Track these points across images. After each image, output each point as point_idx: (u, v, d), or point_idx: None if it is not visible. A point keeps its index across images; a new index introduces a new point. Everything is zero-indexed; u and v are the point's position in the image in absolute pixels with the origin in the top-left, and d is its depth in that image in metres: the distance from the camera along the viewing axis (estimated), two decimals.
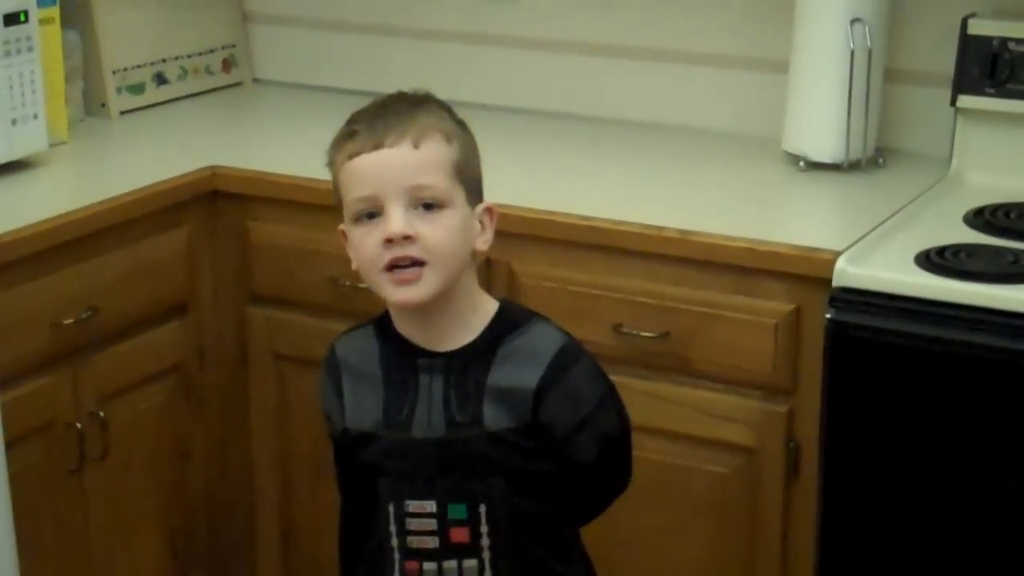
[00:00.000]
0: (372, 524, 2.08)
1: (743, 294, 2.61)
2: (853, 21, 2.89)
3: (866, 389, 2.48)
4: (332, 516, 3.06)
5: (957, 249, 2.53)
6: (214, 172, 3.04)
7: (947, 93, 2.93)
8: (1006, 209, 2.73)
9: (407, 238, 1.93)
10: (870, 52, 2.91)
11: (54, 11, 3.12)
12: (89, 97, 3.40)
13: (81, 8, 3.36)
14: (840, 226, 2.77)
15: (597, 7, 3.36)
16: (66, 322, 2.74)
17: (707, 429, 2.65)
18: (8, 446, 2.59)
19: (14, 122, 2.94)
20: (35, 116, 2.98)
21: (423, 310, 2.00)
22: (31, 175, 2.98)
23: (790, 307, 2.58)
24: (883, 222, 2.68)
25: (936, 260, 2.48)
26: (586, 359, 2.07)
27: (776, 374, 2.61)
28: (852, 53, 2.90)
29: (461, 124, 2.03)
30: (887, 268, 2.48)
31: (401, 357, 2.04)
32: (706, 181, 2.98)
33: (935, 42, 3.02)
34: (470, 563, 2.03)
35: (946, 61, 2.94)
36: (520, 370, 2.01)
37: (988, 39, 2.89)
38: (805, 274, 2.55)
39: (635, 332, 2.66)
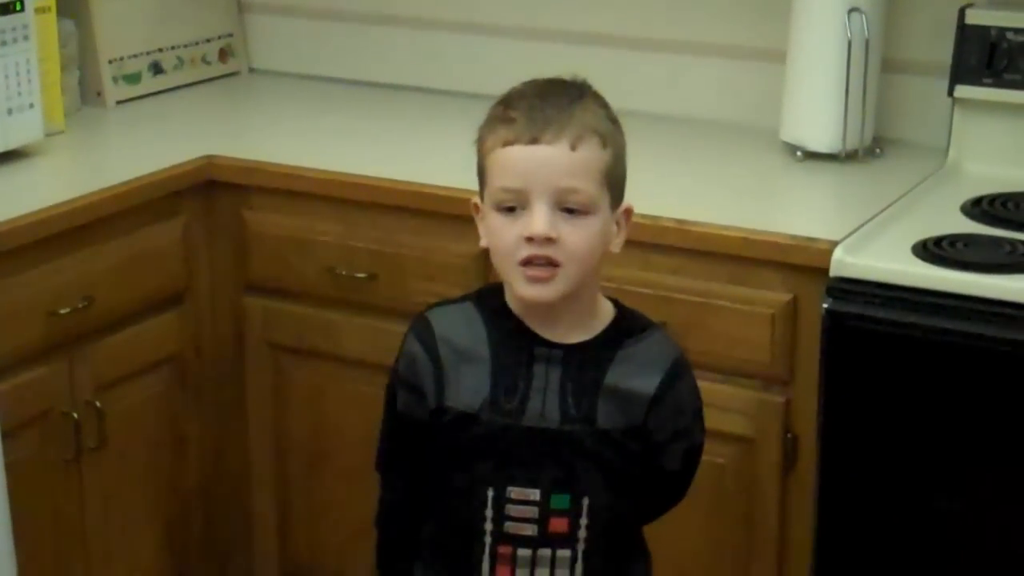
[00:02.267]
0: (450, 504, 2.05)
1: (740, 284, 2.61)
2: (851, 11, 2.89)
3: (863, 379, 2.48)
4: (329, 505, 3.08)
5: (954, 239, 2.53)
6: (210, 161, 3.03)
7: (945, 83, 2.93)
8: (1003, 199, 2.73)
9: (548, 239, 1.92)
10: (867, 42, 2.90)
11: (50, 0, 3.11)
12: (85, 86, 3.40)
13: None
14: (837, 216, 2.77)
15: None
16: (62, 311, 2.73)
17: (705, 419, 2.64)
18: (4, 436, 2.59)
19: (10, 111, 2.93)
20: (31, 105, 2.98)
21: (553, 304, 1.98)
22: (27, 164, 2.98)
23: (787, 297, 2.58)
24: (880, 212, 2.68)
25: (933, 250, 2.48)
26: (692, 372, 2.09)
27: (773, 364, 2.61)
28: (849, 43, 2.89)
29: (616, 123, 2.00)
30: (884, 258, 2.48)
31: (516, 342, 2.01)
32: (703, 171, 2.98)
33: (932, 32, 3.02)
34: (564, 553, 2.02)
35: (943, 51, 2.94)
36: (637, 374, 2.02)
37: (986, 29, 2.88)
38: (802, 264, 2.55)
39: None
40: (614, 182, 1.98)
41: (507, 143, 1.94)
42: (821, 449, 2.53)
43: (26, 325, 2.68)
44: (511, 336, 2.02)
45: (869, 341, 2.46)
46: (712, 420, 2.62)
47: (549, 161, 1.92)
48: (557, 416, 2.00)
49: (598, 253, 1.98)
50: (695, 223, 2.64)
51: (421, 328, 2.06)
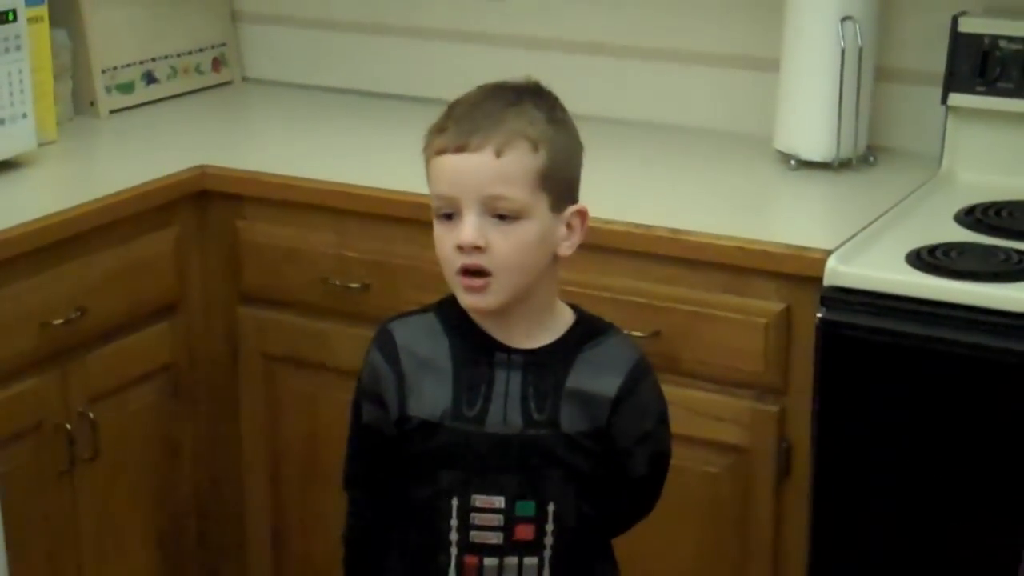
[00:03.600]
0: (416, 517, 2.04)
1: (734, 293, 2.61)
2: (844, 19, 2.89)
3: (857, 388, 2.48)
4: (322, 515, 3.07)
5: (948, 248, 2.53)
6: (203, 171, 3.03)
7: (938, 91, 2.93)
8: (997, 207, 2.73)
9: (477, 248, 1.92)
10: (861, 50, 2.90)
11: (42, 10, 3.11)
12: (78, 96, 3.39)
13: (70, 7, 3.35)
14: (831, 225, 2.77)
15: (587, 5, 3.36)
16: (55, 322, 2.73)
17: (698, 429, 2.64)
18: None
19: (2, 121, 2.93)
20: (24, 115, 2.97)
21: (500, 310, 1.99)
22: (20, 175, 2.97)
23: (781, 306, 2.58)
24: (874, 221, 2.68)
25: (927, 259, 2.48)
26: (654, 375, 2.09)
27: (767, 373, 2.61)
28: (843, 51, 2.89)
29: (558, 124, 1.98)
30: (878, 267, 2.48)
31: (476, 350, 2.01)
32: (696, 180, 2.98)
33: (926, 40, 3.02)
34: (531, 561, 2.02)
35: (937, 59, 2.94)
36: (599, 377, 2.01)
37: (979, 37, 2.88)
38: (796, 273, 2.55)
39: (625, 332, 2.65)
40: (554, 184, 1.95)
41: (440, 151, 1.96)
42: (815, 458, 2.53)
43: (19, 336, 2.68)
44: (471, 344, 2.02)
45: (863, 350, 2.45)
46: (706, 429, 2.64)
47: (474, 169, 1.92)
48: (520, 422, 2.00)
49: (536, 258, 1.96)
50: (688, 232, 2.63)
51: (383, 339, 2.06)
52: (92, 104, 3.41)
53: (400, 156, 3.14)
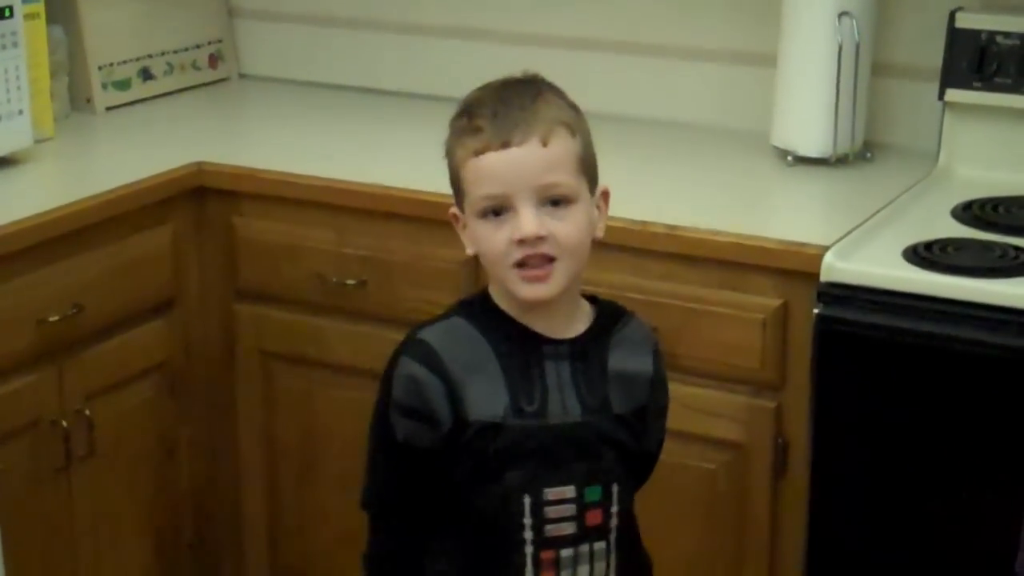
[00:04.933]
0: (481, 522, 2.01)
1: (731, 289, 2.61)
2: (841, 15, 2.88)
3: (854, 384, 2.48)
4: (319, 512, 3.07)
5: (945, 243, 2.53)
6: (200, 168, 3.03)
7: (935, 87, 2.93)
8: (994, 203, 2.73)
9: (540, 238, 1.93)
10: (858, 46, 2.90)
11: (39, 7, 3.10)
12: (75, 93, 3.39)
13: (66, 3, 3.35)
14: (828, 221, 2.77)
15: (584, 2, 3.35)
16: (51, 319, 2.73)
17: (695, 425, 2.64)
18: None
19: None
20: (20, 112, 2.97)
21: (552, 300, 1.99)
22: (16, 171, 2.97)
23: (778, 302, 2.58)
24: (871, 216, 2.68)
25: (924, 255, 2.48)
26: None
27: (764, 369, 2.60)
28: (840, 47, 2.89)
29: (576, 110, 2.01)
30: (875, 263, 2.48)
31: (521, 345, 2.01)
32: (693, 176, 2.98)
33: (923, 36, 3.02)
34: (600, 545, 2.03)
35: (934, 55, 2.94)
36: (634, 356, 2.06)
37: (976, 32, 2.88)
38: (793, 269, 2.55)
39: None
40: (588, 168, 1.99)
41: (478, 152, 1.94)
42: (812, 454, 2.53)
43: (15, 333, 2.68)
44: (513, 339, 2.01)
45: (860, 346, 2.45)
46: (703, 425, 2.64)
47: (525, 161, 1.93)
48: (578, 409, 2.00)
49: (587, 241, 1.99)
50: (686, 228, 2.63)
51: (419, 349, 2.01)
52: (88, 101, 3.41)
53: (397, 152, 3.15)
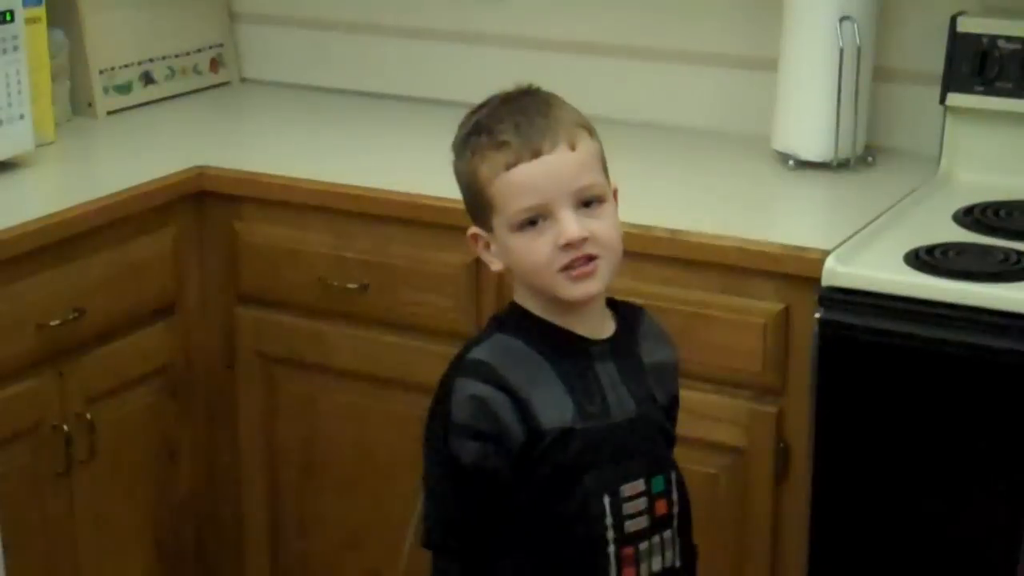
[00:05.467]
0: (562, 531, 2.00)
1: (732, 294, 2.61)
2: (842, 19, 2.88)
3: (856, 389, 2.47)
4: (320, 517, 3.07)
5: (947, 248, 2.53)
6: (201, 172, 3.03)
7: (936, 91, 2.93)
8: (995, 207, 2.73)
9: (584, 239, 1.95)
10: (859, 50, 2.90)
11: (40, 11, 3.10)
12: (76, 97, 3.39)
13: (67, 7, 3.35)
14: (829, 225, 2.77)
15: (585, 6, 3.35)
16: (52, 323, 2.73)
17: (696, 429, 2.63)
18: None
19: (0, 122, 2.92)
20: (21, 116, 2.97)
21: (595, 298, 2.02)
22: (17, 175, 2.97)
23: (779, 307, 2.58)
24: (872, 221, 2.68)
25: (926, 259, 2.48)
26: None
27: (765, 374, 2.60)
28: (841, 51, 2.89)
29: (580, 112, 2.04)
30: (876, 267, 2.48)
31: (568, 350, 2.02)
32: (695, 180, 2.98)
33: (924, 40, 3.02)
34: (667, 534, 2.05)
35: (935, 59, 2.94)
36: (658, 348, 2.10)
37: (977, 37, 2.88)
38: (794, 273, 2.55)
39: None
40: (606, 166, 2.03)
41: (509, 166, 1.95)
42: (814, 459, 2.52)
43: (16, 337, 2.68)
44: (560, 346, 2.02)
45: (861, 350, 2.45)
46: (704, 430, 2.64)
47: (559, 167, 1.95)
48: (632, 403, 2.03)
49: (621, 236, 2.02)
50: (687, 233, 2.63)
51: (478, 369, 1.99)
52: (90, 105, 3.41)
53: (398, 157, 3.15)
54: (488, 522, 2.02)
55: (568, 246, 1.94)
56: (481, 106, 2.02)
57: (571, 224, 1.94)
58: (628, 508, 2.01)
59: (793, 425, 2.60)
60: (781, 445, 2.62)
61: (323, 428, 3.02)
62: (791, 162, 2.98)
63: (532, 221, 1.95)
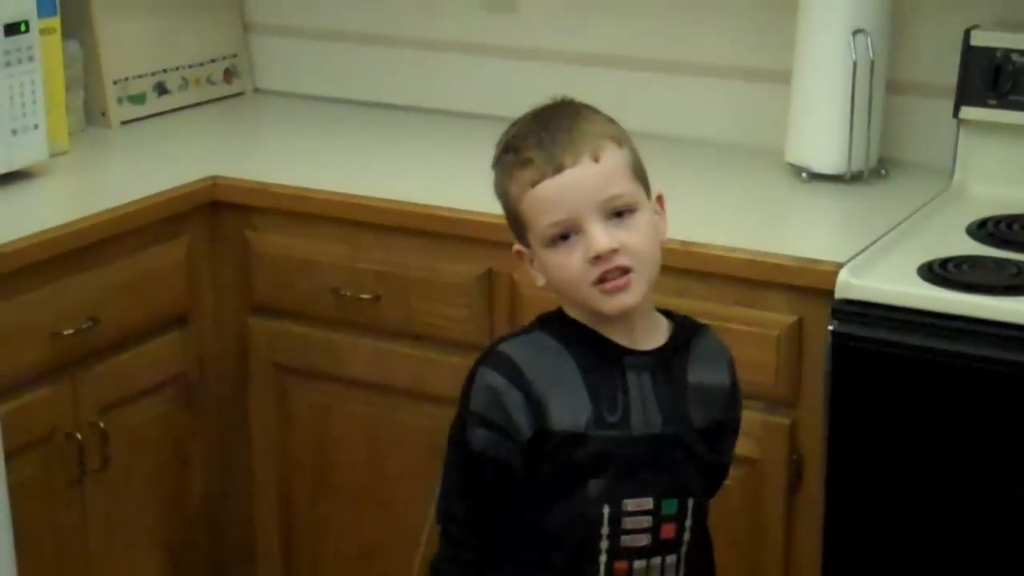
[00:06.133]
0: (560, 533, 2.02)
1: (745, 306, 2.61)
2: (855, 32, 2.89)
3: (869, 401, 2.47)
4: (332, 527, 3.07)
5: (960, 261, 2.53)
6: (215, 182, 3.03)
7: (950, 104, 2.93)
8: (1009, 221, 2.72)
9: (614, 251, 1.95)
10: (872, 63, 2.90)
11: (55, 21, 3.11)
12: (90, 107, 3.40)
13: (82, 18, 3.35)
14: (843, 238, 2.77)
15: (596, 17, 3.36)
16: (66, 332, 2.73)
17: None
18: (7, 457, 2.59)
19: (14, 132, 2.93)
20: (36, 126, 2.98)
21: (633, 310, 2.01)
22: (31, 185, 2.98)
23: (792, 319, 2.58)
24: (886, 234, 2.67)
25: (939, 272, 2.48)
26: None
27: (778, 386, 2.60)
28: (854, 64, 2.89)
29: (614, 123, 2.04)
30: (890, 280, 2.48)
31: (603, 357, 2.02)
32: (708, 193, 2.98)
33: (938, 53, 3.02)
34: (671, 559, 2.04)
35: (949, 72, 2.94)
36: (712, 369, 2.08)
37: (991, 50, 2.88)
38: (807, 286, 2.55)
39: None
40: (641, 174, 2.03)
41: (534, 183, 1.96)
42: (827, 471, 2.52)
43: (30, 346, 2.68)
44: (595, 352, 2.03)
45: (874, 363, 2.45)
46: None
47: (582, 181, 1.95)
48: (660, 420, 2.02)
49: (657, 246, 2.02)
50: (700, 245, 2.63)
51: (500, 361, 2.02)
52: (104, 115, 3.41)
53: (411, 167, 3.16)
54: (492, 511, 2.05)
55: (598, 259, 1.94)
56: (514, 123, 2.04)
57: (599, 236, 1.94)
58: (628, 523, 2.01)
59: (806, 437, 2.60)
60: (794, 457, 2.62)
61: (335, 438, 3.03)
62: (804, 175, 2.98)
63: (564, 236, 1.96)
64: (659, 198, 2.06)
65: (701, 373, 2.06)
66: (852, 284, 2.47)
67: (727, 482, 2.62)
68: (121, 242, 2.84)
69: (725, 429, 2.10)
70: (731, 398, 2.10)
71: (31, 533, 2.69)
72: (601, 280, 1.96)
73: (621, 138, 2.01)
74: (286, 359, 3.05)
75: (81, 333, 2.76)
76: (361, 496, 3.03)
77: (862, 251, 2.58)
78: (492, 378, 2.01)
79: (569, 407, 1.99)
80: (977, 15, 2.95)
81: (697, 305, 2.63)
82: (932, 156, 3.03)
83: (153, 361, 2.96)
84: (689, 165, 3.14)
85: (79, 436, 2.78)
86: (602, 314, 1.99)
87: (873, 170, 2.99)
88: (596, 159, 1.96)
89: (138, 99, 3.49)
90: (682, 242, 2.64)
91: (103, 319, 2.80)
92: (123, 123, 3.44)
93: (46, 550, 2.76)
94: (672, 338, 2.07)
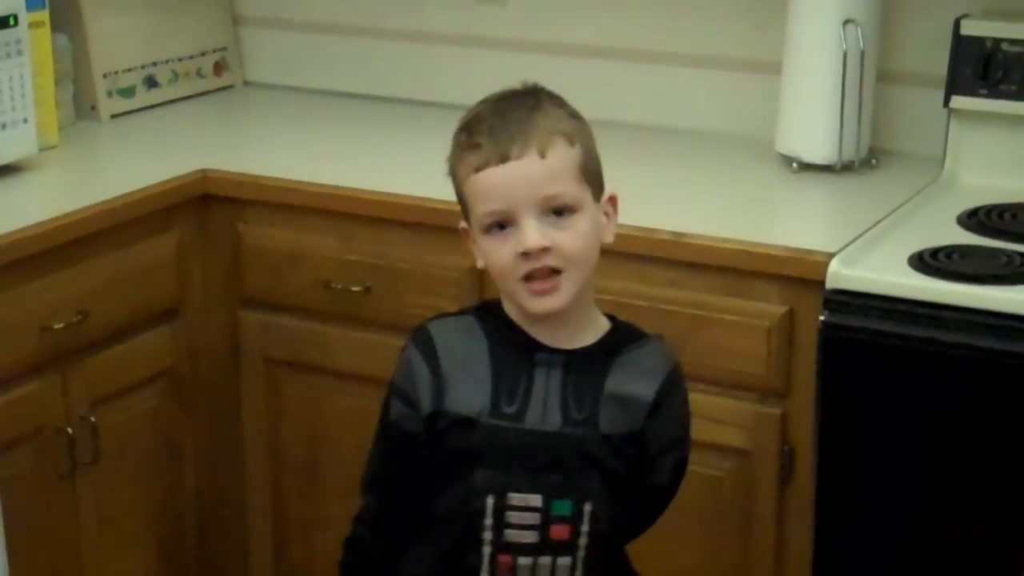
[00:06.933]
0: (448, 517, 2.03)
1: (736, 296, 2.61)
2: (846, 22, 2.88)
3: (860, 391, 2.47)
4: (324, 520, 3.07)
5: (951, 250, 2.53)
6: (205, 175, 3.03)
7: (940, 94, 2.93)
8: (1000, 210, 2.73)
9: (544, 250, 1.94)
10: (863, 53, 2.90)
11: (44, 15, 3.11)
12: (79, 101, 3.39)
13: (71, 12, 3.35)
14: (833, 228, 2.77)
15: (587, 9, 3.35)
16: (56, 326, 2.73)
17: (701, 432, 2.61)
18: None
19: (4, 126, 2.93)
20: (25, 120, 2.97)
21: (563, 310, 2.00)
22: (21, 179, 2.97)
23: (783, 309, 2.57)
24: (876, 223, 2.68)
25: (930, 261, 2.48)
26: (685, 383, 2.10)
27: (769, 377, 2.60)
28: (845, 54, 2.89)
29: (578, 118, 2.02)
30: (881, 270, 2.48)
31: (516, 350, 2.03)
32: (699, 183, 2.98)
33: (928, 43, 3.02)
34: (564, 561, 2.02)
35: (939, 62, 2.94)
36: (637, 380, 2.03)
37: (981, 40, 2.88)
38: (798, 276, 2.55)
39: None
40: (590, 175, 2.00)
41: (478, 168, 1.96)
42: (818, 461, 2.52)
43: (20, 340, 2.68)
44: (512, 344, 2.03)
45: (866, 353, 2.45)
46: (708, 433, 2.63)
47: (524, 175, 1.94)
48: (559, 420, 2.00)
49: (594, 249, 2.00)
50: (691, 235, 2.63)
51: (421, 338, 2.06)
52: (93, 108, 3.41)
53: (402, 160, 3.16)
54: (403, 487, 2.08)
55: (527, 255, 1.94)
56: (480, 102, 2.03)
57: (530, 233, 1.93)
58: (512, 517, 2.00)
59: (797, 427, 2.60)
60: (785, 447, 2.62)
61: (327, 430, 3.02)
62: (795, 165, 2.98)
63: (501, 225, 1.96)
64: (611, 199, 2.04)
65: (622, 382, 2.02)
66: (843, 274, 2.47)
67: (717, 472, 2.64)
68: (111, 236, 2.84)
69: (653, 446, 2.04)
70: (655, 414, 2.03)
71: (22, 527, 2.68)
72: (529, 277, 1.95)
73: (575, 135, 1.98)
74: (277, 352, 3.05)
75: (71, 327, 2.75)
76: (352, 488, 3.01)
77: (853, 241, 2.58)
78: (411, 352, 2.06)
79: (468, 392, 2.01)
80: (967, 4, 2.95)
81: (688, 295, 2.63)
82: (923, 146, 3.04)
83: (144, 355, 2.95)
84: (680, 156, 3.14)
85: (70, 430, 2.78)
86: (529, 312, 1.99)
87: (864, 160, 2.99)
88: (543, 155, 1.94)
89: (128, 92, 3.48)
90: (673, 233, 2.64)
91: (93, 313, 2.80)
92: (113, 117, 3.43)
93: (37, 544, 2.76)
94: (600, 342, 2.05)
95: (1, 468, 2.62)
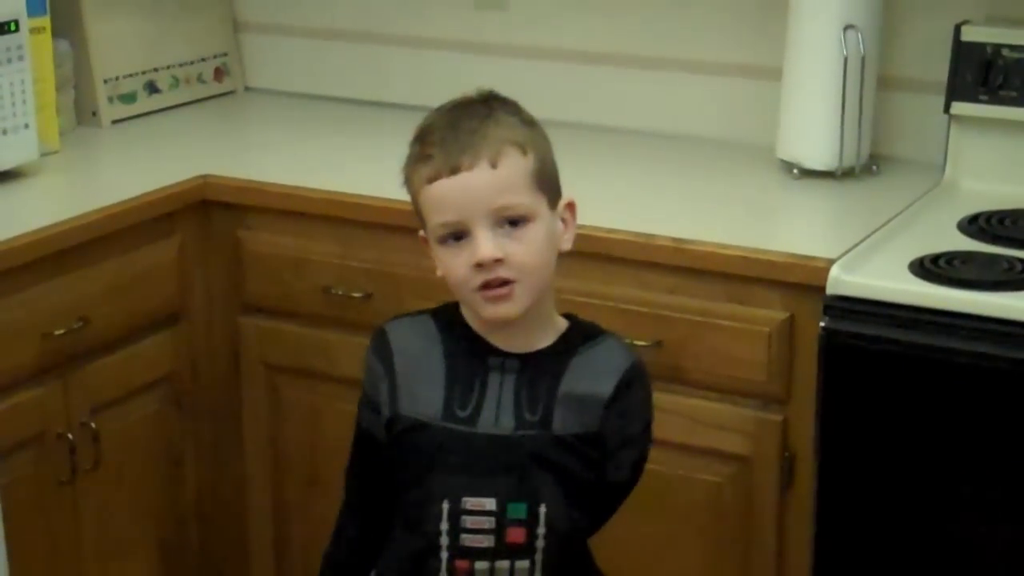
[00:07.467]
0: (408, 523, 2.05)
1: (737, 302, 2.61)
2: (846, 28, 2.89)
3: (860, 397, 2.47)
4: (325, 525, 3.06)
5: (951, 257, 2.53)
6: (206, 181, 3.03)
7: (941, 100, 2.93)
8: (1000, 216, 2.73)
9: (497, 261, 1.94)
10: (863, 59, 2.90)
11: (45, 20, 3.11)
12: (80, 106, 3.39)
13: (72, 17, 3.35)
14: (834, 234, 2.77)
15: (588, 15, 3.35)
16: (57, 332, 2.73)
17: (701, 438, 2.64)
18: None
19: (5, 132, 2.93)
20: (26, 126, 2.97)
21: (513, 320, 2.00)
22: (22, 185, 2.97)
23: (784, 315, 2.57)
24: (877, 230, 2.68)
25: (930, 268, 2.48)
26: (646, 381, 2.10)
27: (770, 383, 2.60)
28: (845, 60, 2.89)
29: (532, 125, 2.01)
30: (881, 276, 2.48)
31: (470, 353, 2.03)
32: (699, 189, 2.98)
33: (928, 49, 3.02)
34: (522, 564, 2.02)
35: (939, 68, 2.94)
36: (593, 379, 2.03)
37: (981, 46, 2.88)
38: (799, 282, 2.55)
39: (628, 341, 2.64)
40: (546, 183, 1.99)
41: (431, 179, 1.96)
42: (819, 468, 2.52)
43: (21, 346, 2.68)
44: (466, 348, 2.04)
45: (866, 359, 2.45)
46: (709, 439, 2.64)
47: (475, 186, 1.94)
48: (511, 423, 2.01)
49: (549, 257, 2.00)
50: (691, 242, 2.63)
51: (378, 341, 2.08)
52: (94, 114, 3.41)
53: (402, 166, 3.15)
54: (375, 492, 2.10)
55: (480, 266, 1.94)
56: (434, 111, 2.04)
57: (483, 245, 1.93)
58: (468, 521, 2.00)
59: (798, 434, 2.60)
60: (786, 454, 2.62)
61: (327, 436, 3.02)
62: (795, 171, 2.98)
63: (456, 236, 1.96)
64: (570, 205, 2.04)
65: (576, 381, 2.02)
66: (844, 280, 2.47)
67: (718, 479, 2.64)
68: (112, 241, 2.84)
69: (611, 442, 2.04)
70: (610, 411, 2.02)
71: (22, 533, 2.68)
72: (484, 287, 1.95)
73: (528, 144, 1.97)
74: (278, 358, 3.05)
75: (72, 333, 2.75)
76: None
77: (854, 247, 2.58)
78: (370, 357, 2.08)
79: (422, 396, 2.02)
80: (967, 10, 2.95)
81: (689, 302, 2.63)
82: (923, 152, 3.04)
83: (144, 361, 2.95)
84: (680, 162, 3.14)
85: (70, 436, 2.77)
86: (485, 319, 2.00)
87: (864, 166, 2.99)
88: (494, 165, 1.93)
89: (129, 98, 3.48)
90: (673, 239, 2.64)
91: (94, 319, 2.80)
92: (114, 122, 3.44)
93: (38, 551, 2.76)
94: (556, 343, 2.05)
95: (2, 474, 2.62)
